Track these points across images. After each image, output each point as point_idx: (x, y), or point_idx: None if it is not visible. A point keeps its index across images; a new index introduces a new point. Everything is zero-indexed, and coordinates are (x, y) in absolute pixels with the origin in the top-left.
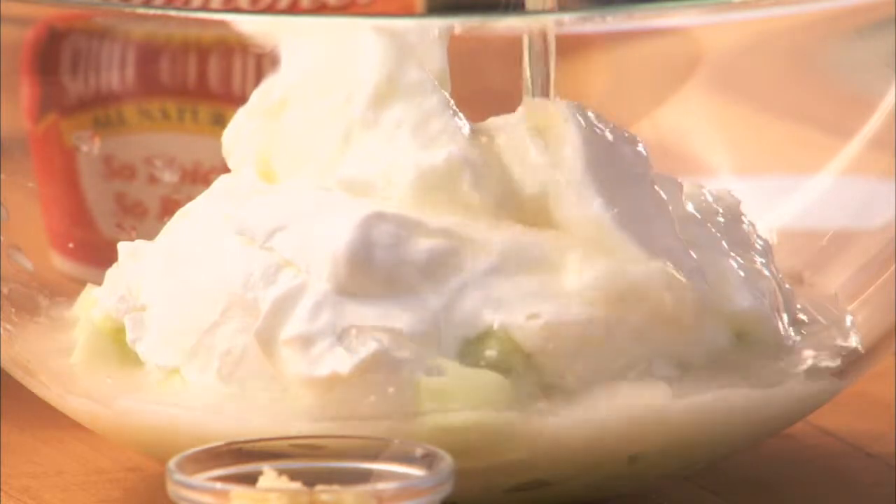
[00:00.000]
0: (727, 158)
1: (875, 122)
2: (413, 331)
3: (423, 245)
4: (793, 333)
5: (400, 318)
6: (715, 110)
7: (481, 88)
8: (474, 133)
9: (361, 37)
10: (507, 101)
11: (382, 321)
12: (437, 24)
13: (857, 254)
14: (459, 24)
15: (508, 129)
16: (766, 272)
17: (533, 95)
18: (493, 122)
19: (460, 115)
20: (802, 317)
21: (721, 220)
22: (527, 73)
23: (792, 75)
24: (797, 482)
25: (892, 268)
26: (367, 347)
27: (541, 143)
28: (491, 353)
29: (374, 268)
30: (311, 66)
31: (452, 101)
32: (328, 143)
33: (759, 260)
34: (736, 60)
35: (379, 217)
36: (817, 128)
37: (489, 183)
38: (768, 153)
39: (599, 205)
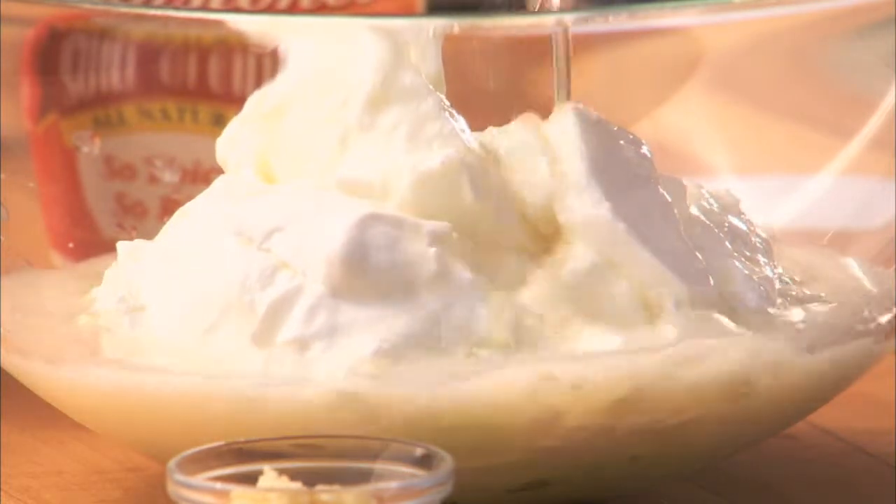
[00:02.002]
0: (727, 158)
1: (875, 122)
2: (409, 333)
3: (419, 247)
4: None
5: (396, 320)
6: (715, 110)
7: (477, 90)
8: (472, 137)
9: (358, 39)
10: (503, 103)
11: (378, 323)
12: (434, 25)
13: (857, 254)
14: (457, 24)
15: (509, 133)
16: (769, 270)
17: (559, 98)
18: (494, 129)
19: (458, 117)
20: (800, 311)
21: (722, 219)
22: (554, 76)
23: (792, 75)
24: (797, 482)
25: (892, 268)
26: (365, 348)
27: (543, 146)
28: (490, 354)
29: (370, 269)
30: (307, 70)
31: (448, 104)
32: (325, 147)
33: (761, 259)
34: (736, 60)
35: (375, 219)
36: (817, 128)
37: (488, 186)
38: (768, 153)
39: (605, 208)
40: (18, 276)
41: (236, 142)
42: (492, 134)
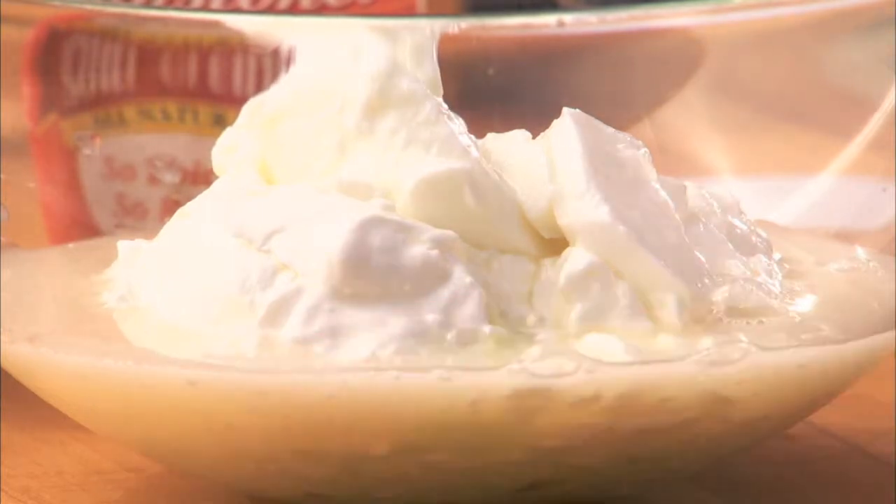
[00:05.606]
0: (727, 159)
1: (875, 123)
2: (410, 334)
3: (420, 250)
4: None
5: (396, 321)
6: (715, 110)
7: (475, 91)
8: (472, 141)
9: (356, 43)
10: (502, 104)
11: (379, 325)
12: (434, 25)
13: None
14: (457, 24)
15: (508, 137)
16: (770, 270)
17: None
18: (493, 134)
19: (458, 121)
20: (802, 310)
21: (722, 219)
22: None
23: (792, 75)
24: (797, 482)
25: (893, 268)
26: (365, 349)
27: (542, 150)
28: (490, 356)
29: (370, 271)
30: (304, 76)
31: (447, 107)
32: (324, 152)
33: (761, 258)
34: (736, 60)
35: (376, 221)
36: (817, 128)
37: (488, 190)
38: (768, 154)
39: (604, 211)
40: (16, 265)
41: (233, 149)
42: (491, 138)
